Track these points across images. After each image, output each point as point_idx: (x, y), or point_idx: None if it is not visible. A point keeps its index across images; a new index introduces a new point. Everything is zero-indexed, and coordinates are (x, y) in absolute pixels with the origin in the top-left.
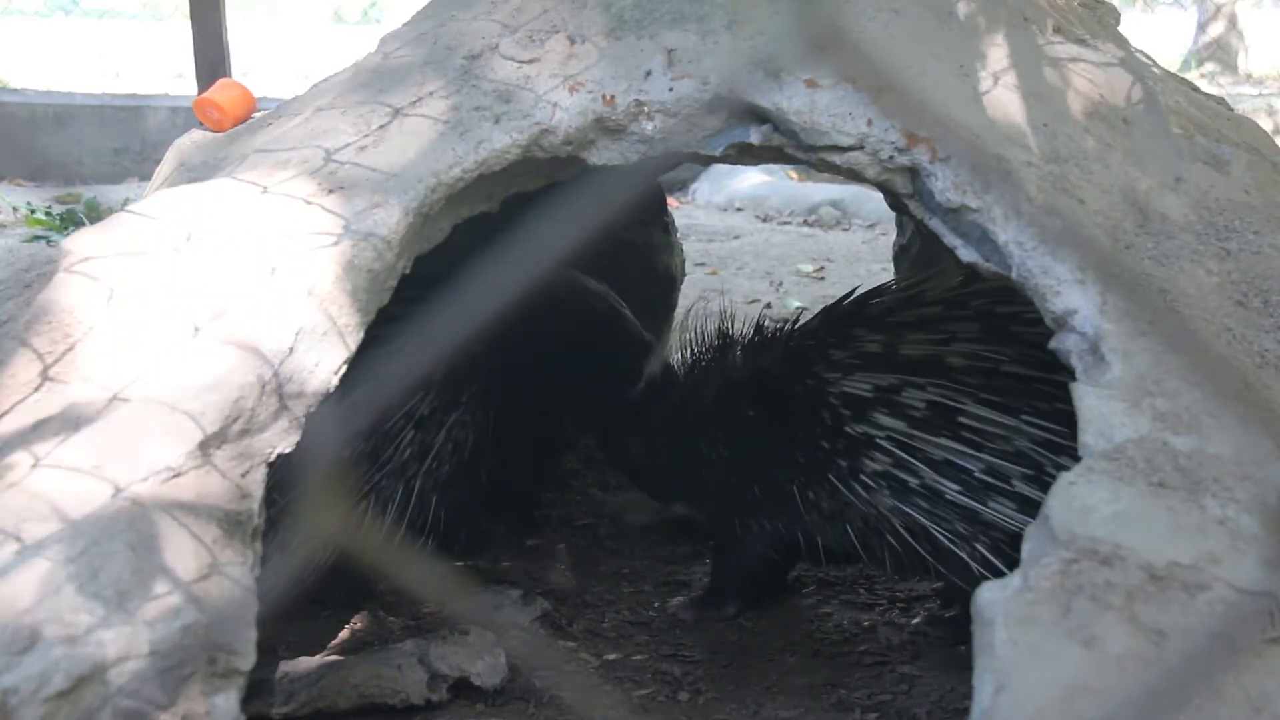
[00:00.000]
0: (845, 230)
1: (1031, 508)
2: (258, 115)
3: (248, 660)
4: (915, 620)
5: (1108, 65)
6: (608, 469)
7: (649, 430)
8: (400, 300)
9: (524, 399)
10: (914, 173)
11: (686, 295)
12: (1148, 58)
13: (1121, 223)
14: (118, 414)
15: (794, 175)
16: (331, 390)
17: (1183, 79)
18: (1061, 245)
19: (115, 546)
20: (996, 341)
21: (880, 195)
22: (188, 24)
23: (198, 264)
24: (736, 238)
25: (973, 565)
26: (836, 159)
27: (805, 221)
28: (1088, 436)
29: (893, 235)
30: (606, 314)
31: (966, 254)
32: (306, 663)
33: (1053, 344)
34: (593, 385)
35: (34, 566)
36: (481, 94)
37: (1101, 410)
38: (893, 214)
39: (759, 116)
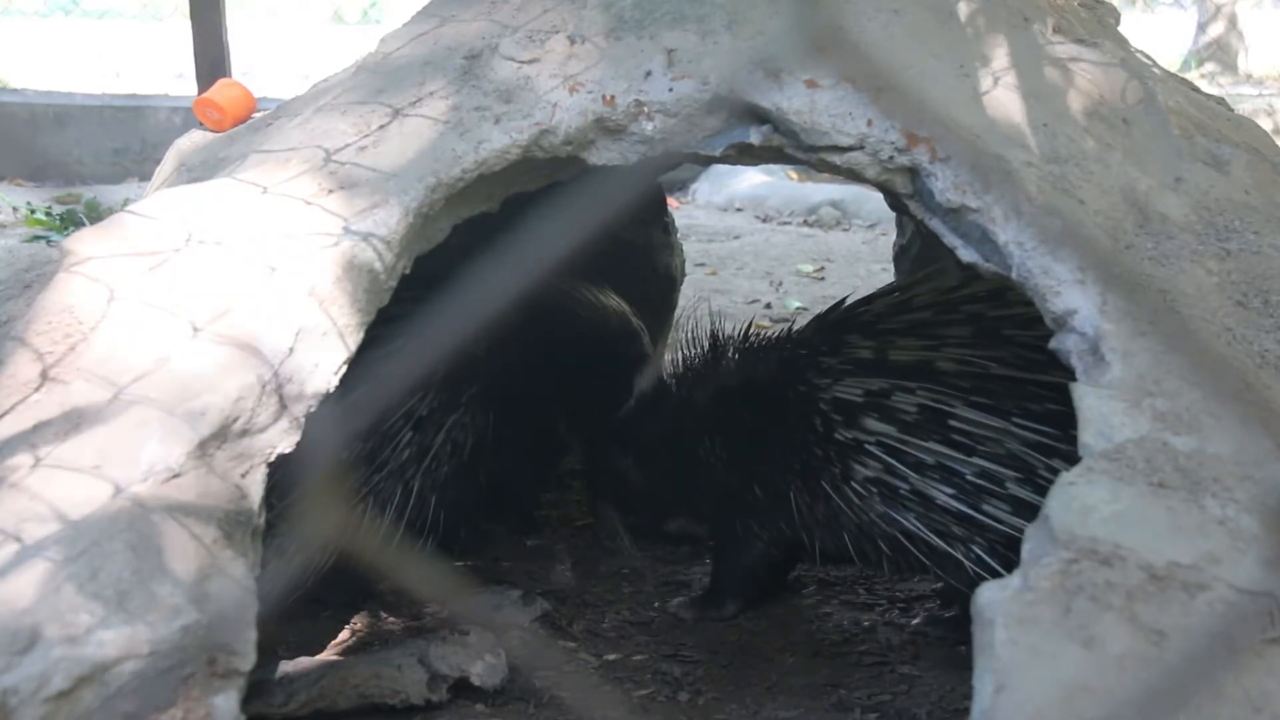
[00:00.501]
0: (845, 230)
1: (1025, 510)
2: (258, 115)
3: (248, 660)
4: (915, 620)
5: (1108, 65)
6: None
7: (645, 441)
8: (400, 300)
9: (524, 401)
10: (914, 173)
11: (686, 295)
12: (1148, 58)
13: (1121, 223)
14: (118, 414)
15: (794, 175)
16: (331, 390)
17: (1183, 79)
18: (1061, 245)
19: (115, 546)
20: (988, 345)
21: (880, 195)
22: (188, 24)
23: (198, 264)
24: (736, 238)
25: (969, 567)
26: (836, 159)
27: (805, 221)
28: (1088, 436)
29: (893, 235)
30: (607, 317)
31: (966, 254)
32: (306, 663)
33: (1053, 344)
34: (592, 389)
35: (34, 566)
36: (481, 94)
37: (1101, 410)
38: (893, 214)
39: (759, 117)
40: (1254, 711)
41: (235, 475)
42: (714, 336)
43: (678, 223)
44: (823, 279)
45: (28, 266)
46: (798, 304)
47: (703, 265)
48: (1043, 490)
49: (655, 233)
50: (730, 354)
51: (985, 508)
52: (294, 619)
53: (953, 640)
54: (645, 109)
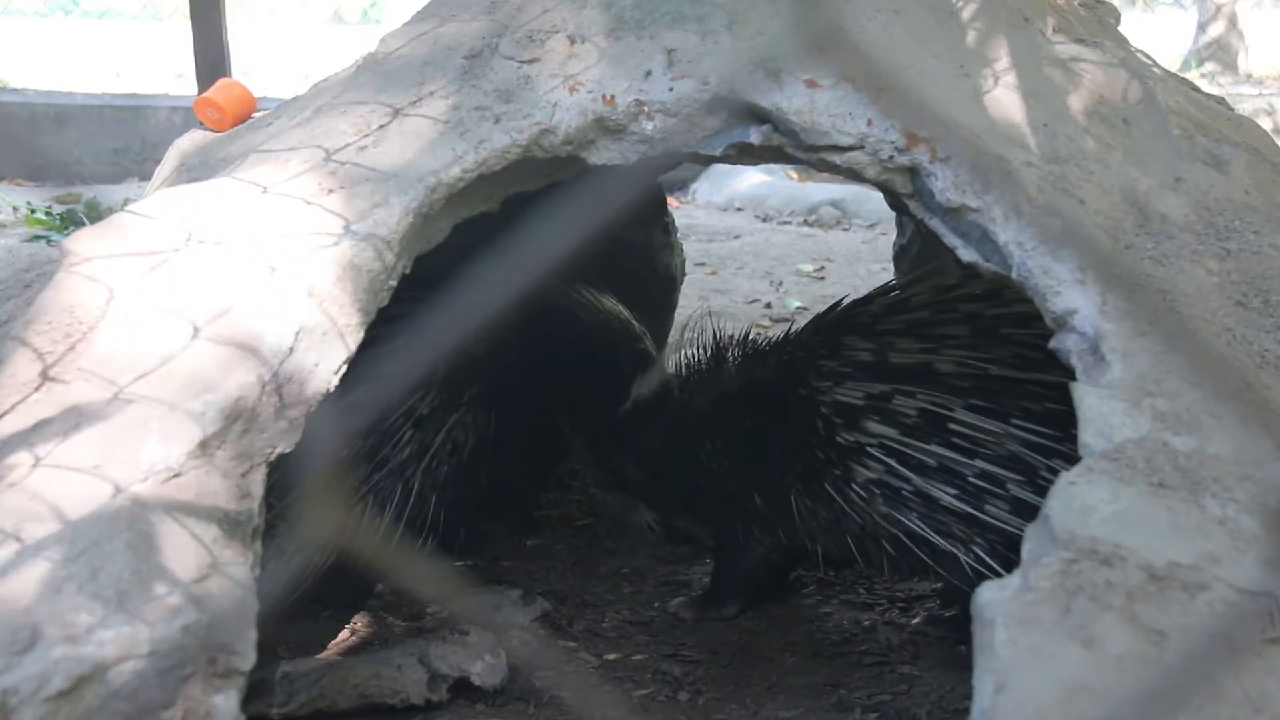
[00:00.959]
0: (845, 230)
1: (1026, 510)
2: (258, 115)
3: (248, 660)
4: (915, 620)
5: (1108, 65)
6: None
7: (645, 443)
8: (400, 300)
9: (525, 401)
10: (914, 173)
11: (686, 295)
12: (1148, 58)
13: (1121, 223)
14: (118, 414)
15: (794, 175)
16: (331, 390)
17: (1183, 79)
18: (1061, 245)
19: (115, 546)
20: (986, 344)
21: (880, 195)
22: (188, 24)
23: (198, 264)
24: (736, 238)
25: (969, 567)
26: (836, 159)
27: (805, 221)
28: (1088, 436)
29: (893, 235)
30: (607, 318)
31: (966, 254)
32: (306, 663)
33: (1053, 344)
34: (593, 390)
35: (34, 566)
36: (481, 94)
37: (1101, 410)
38: (893, 214)
39: (759, 116)
40: (1254, 711)
41: (235, 475)
42: (714, 340)
43: (678, 223)
44: (823, 279)
45: (28, 266)
46: (798, 304)
47: (703, 265)
48: (1043, 491)
49: (655, 233)
50: (731, 357)
51: (987, 508)
52: (294, 619)
53: (953, 640)
54: (645, 109)
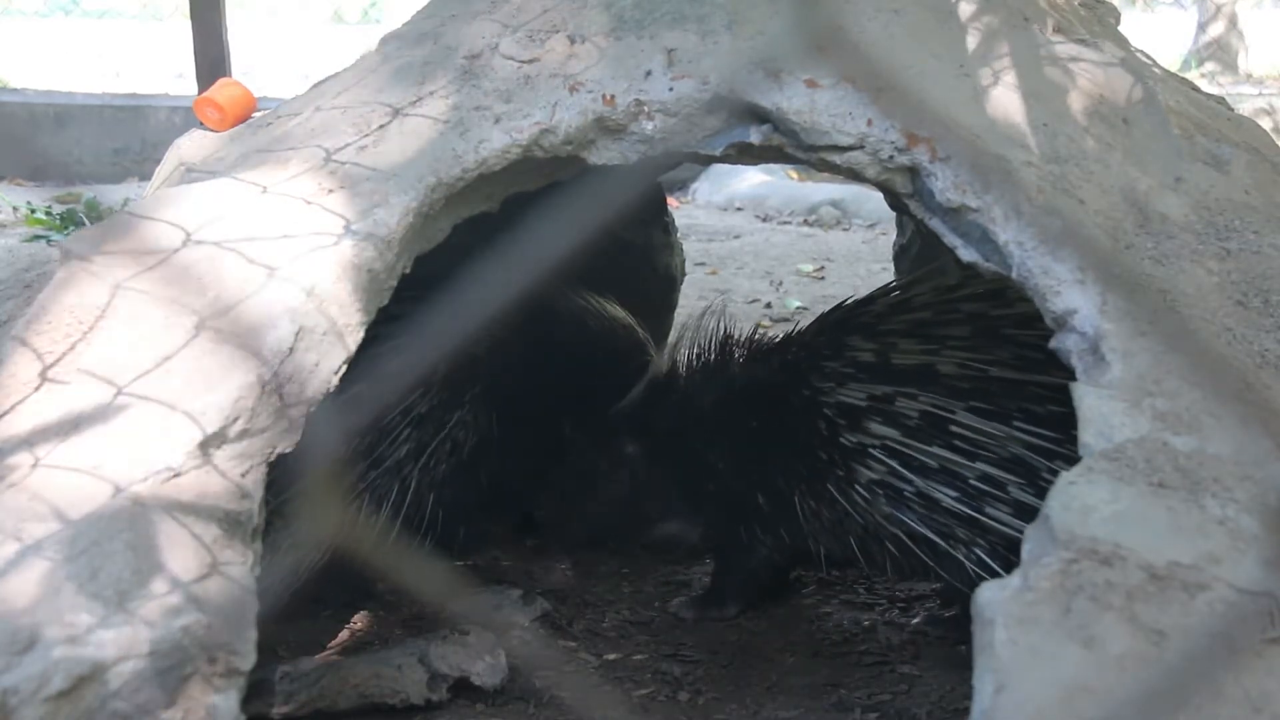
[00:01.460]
0: (845, 230)
1: (1028, 513)
2: (258, 115)
3: (248, 660)
4: (915, 620)
5: (1108, 65)
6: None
7: (645, 442)
8: (400, 300)
9: (526, 402)
10: (914, 172)
11: (686, 295)
12: (1148, 58)
13: (1121, 223)
14: (118, 414)
15: (794, 175)
16: (331, 390)
17: (1183, 79)
18: (1061, 245)
19: (115, 546)
20: (988, 345)
21: (880, 195)
22: (188, 24)
23: (198, 264)
24: (736, 238)
25: (971, 569)
26: (836, 159)
27: (805, 221)
28: (1088, 436)
29: (893, 235)
30: (609, 320)
31: (966, 254)
32: (306, 663)
33: (1053, 344)
34: (593, 392)
35: (34, 566)
36: (482, 94)
37: (1101, 410)
38: (893, 214)
39: (759, 116)
40: (1254, 711)
41: (235, 475)
42: (717, 339)
43: (678, 223)
44: (823, 279)
45: (28, 266)
46: (798, 304)
47: (703, 265)
48: (1045, 493)
49: (655, 233)
50: (735, 358)
51: (988, 510)
52: (294, 619)
53: (953, 640)
54: (645, 108)
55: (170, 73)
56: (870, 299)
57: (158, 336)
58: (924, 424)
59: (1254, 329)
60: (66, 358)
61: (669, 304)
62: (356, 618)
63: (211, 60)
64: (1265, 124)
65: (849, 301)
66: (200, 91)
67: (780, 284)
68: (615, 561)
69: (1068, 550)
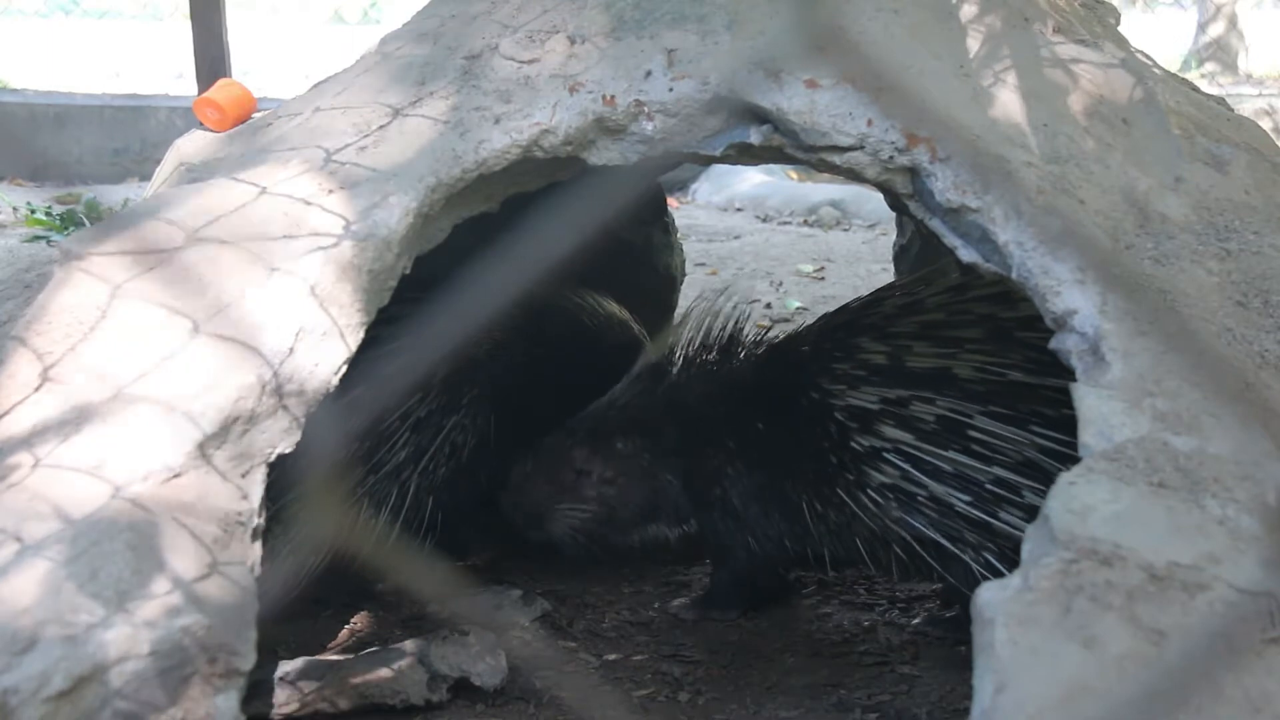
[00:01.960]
0: (845, 230)
1: None
2: (258, 115)
3: (248, 660)
4: (915, 620)
5: (1108, 65)
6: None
7: (635, 439)
8: (400, 300)
9: (525, 404)
10: (914, 173)
11: (686, 295)
12: (1148, 58)
13: (1121, 223)
14: (118, 414)
15: (794, 175)
16: (331, 390)
17: (1183, 79)
18: (1061, 245)
19: (115, 546)
20: (1002, 348)
21: (880, 195)
22: (188, 24)
23: (197, 264)
24: (736, 238)
25: (979, 571)
26: (836, 159)
27: (805, 221)
28: (1088, 436)
29: (893, 235)
30: (609, 321)
31: (966, 254)
32: (306, 663)
33: (1053, 344)
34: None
35: (34, 566)
36: (482, 94)
37: (1101, 410)
38: (893, 214)
39: (759, 117)
40: (1254, 711)
41: (235, 475)
42: (719, 340)
43: (678, 223)
44: (823, 279)
45: (28, 266)
46: (798, 304)
47: (703, 265)
48: None
49: (655, 233)
50: (736, 356)
51: (1001, 515)
52: (294, 619)
53: (953, 640)
54: (645, 109)
55: (170, 73)
56: (878, 300)
57: (157, 337)
58: (939, 428)
59: (1254, 329)
60: (66, 358)
61: (669, 304)
62: (356, 618)
63: (211, 60)
64: (1265, 124)
65: (856, 303)
66: (200, 91)
67: (780, 284)
68: (615, 561)
69: (1068, 550)
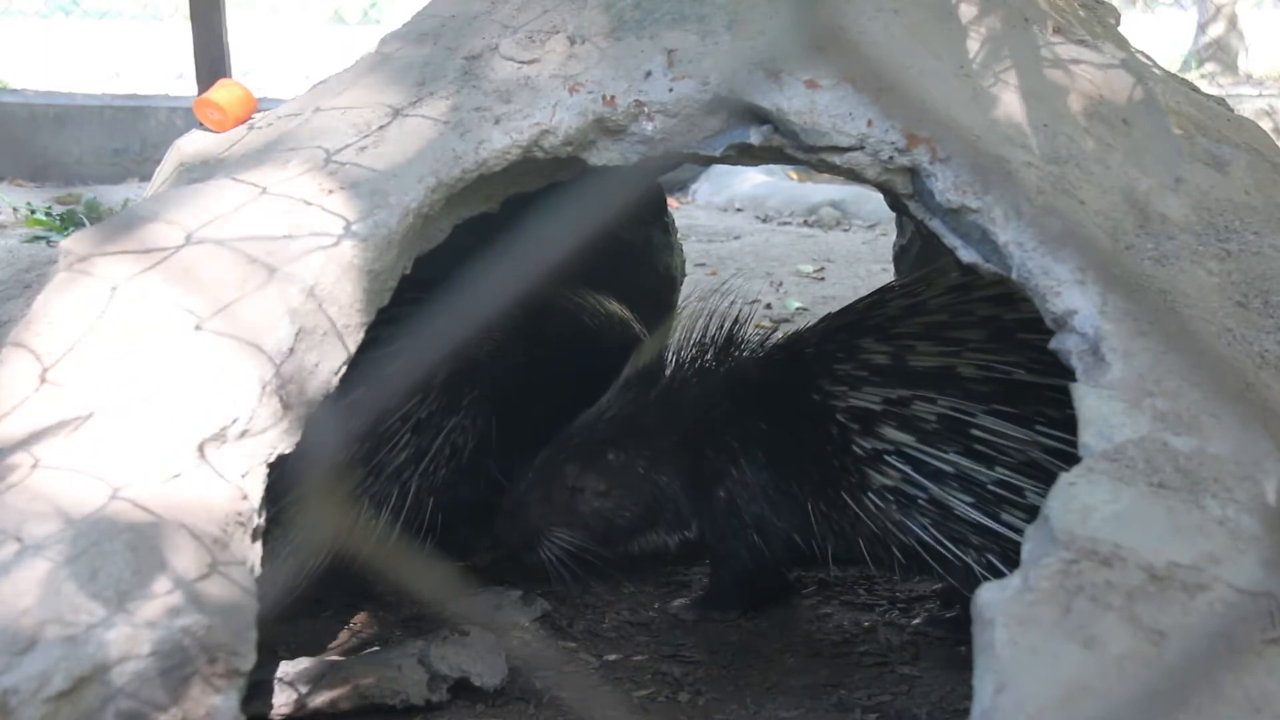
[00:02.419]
0: (845, 230)
1: None
2: (258, 115)
3: (248, 660)
4: (915, 621)
5: (1108, 66)
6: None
7: (629, 449)
8: (400, 301)
9: (526, 405)
10: (914, 173)
11: (687, 295)
12: (1148, 58)
13: (1121, 223)
14: (117, 414)
15: (794, 175)
16: (331, 391)
17: (1183, 79)
18: (1061, 246)
19: (115, 546)
20: (1006, 348)
21: (880, 195)
22: (188, 24)
23: (197, 264)
24: (736, 238)
25: (981, 574)
26: (836, 159)
27: (805, 222)
28: (1088, 437)
29: (893, 235)
30: (610, 322)
31: (966, 254)
32: (306, 663)
33: (1053, 344)
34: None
35: (34, 566)
36: (482, 94)
37: (1101, 410)
38: (893, 214)
39: (759, 117)
40: (1254, 711)
41: (235, 475)
42: (716, 340)
43: (678, 223)
44: (823, 279)
45: (28, 266)
46: (798, 304)
47: (703, 265)
48: None
49: (655, 233)
50: (734, 358)
51: (1004, 517)
52: (294, 619)
53: (953, 640)
54: (645, 109)
55: (170, 73)
56: (880, 301)
57: (157, 337)
58: (941, 428)
59: (1254, 329)
60: (66, 358)
61: (669, 304)
62: (356, 618)
63: (211, 60)
64: (1265, 124)
65: (858, 303)
66: (200, 92)
67: (780, 285)
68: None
69: (1068, 550)
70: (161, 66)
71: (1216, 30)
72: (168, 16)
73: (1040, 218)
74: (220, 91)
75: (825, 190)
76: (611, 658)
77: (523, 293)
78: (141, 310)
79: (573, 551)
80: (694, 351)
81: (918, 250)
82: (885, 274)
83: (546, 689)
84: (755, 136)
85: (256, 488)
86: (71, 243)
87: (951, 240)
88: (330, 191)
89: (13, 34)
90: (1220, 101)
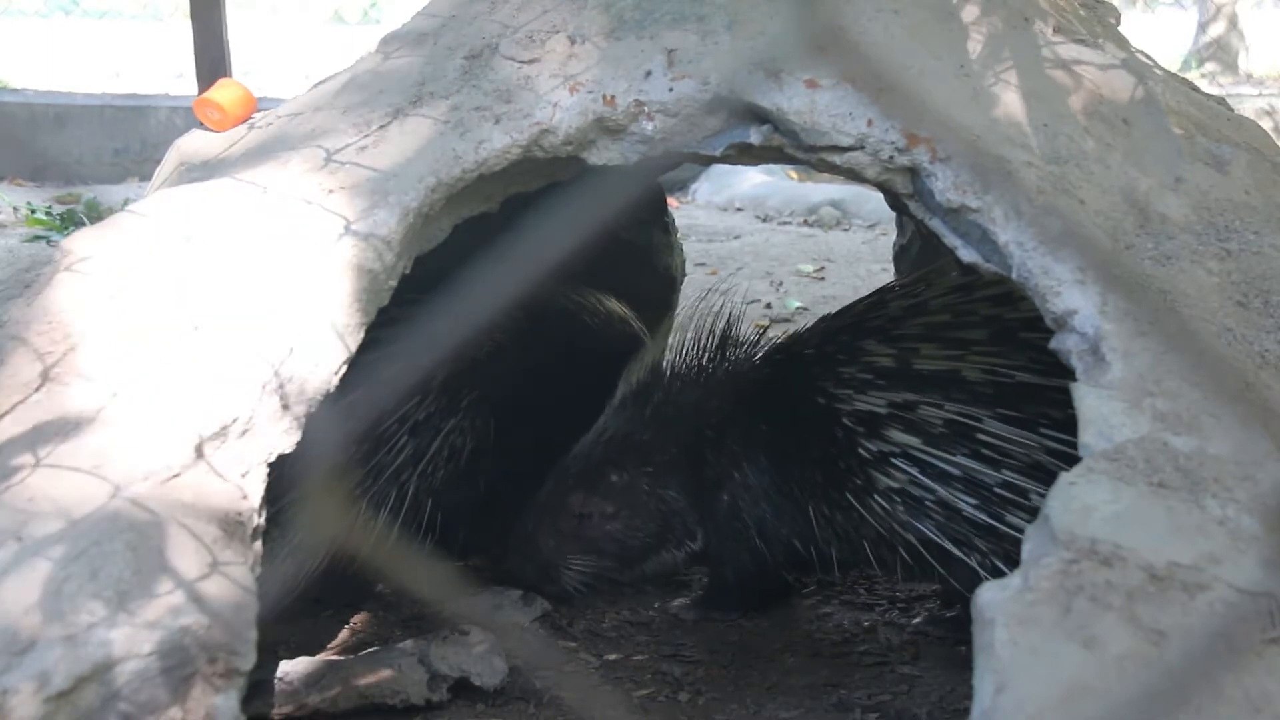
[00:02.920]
0: (845, 230)
1: None
2: (258, 115)
3: (248, 660)
4: (915, 620)
5: (1108, 65)
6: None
7: (645, 456)
8: (400, 301)
9: (525, 406)
10: (914, 173)
11: (686, 295)
12: (1148, 58)
13: (1122, 223)
14: (118, 414)
15: (794, 175)
16: (331, 391)
17: (1183, 79)
18: (1062, 245)
19: (115, 546)
20: (1009, 349)
21: (880, 195)
22: (188, 24)
23: (197, 264)
24: (736, 238)
25: (985, 576)
26: (836, 159)
27: (805, 221)
28: (1088, 436)
29: (893, 235)
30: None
31: (966, 254)
32: (306, 663)
33: (1053, 344)
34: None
35: (34, 566)
36: (482, 94)
37: (1102, 410)
38: (893, 214)
39: (759, 117)
40: (1254, 711)
41: (235, 475)
42: (712, 343)
43: (678, 223)
44: (823, 279)
45: (28, 266)
46: (798, 304)
47: (703, 265)
48: None
49: (655, 233)
50: (735, 361)
51: (1009, 519)
52: (294, 619)
53: (953, 640)
54: (645, 109)
55: (170, 73)
56: (881, 302)
57: (157, 336)
58: (948, 431)
59: (1254, 329)
60: (66, 358)
61: (669, 304)
62: (356, 618)
63: (211, 60)
64: (1265, 124)
65: (858, 304)
66: (200, 91)
67: (780, 284)
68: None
69: (1068, 550)
70: (161, 66)
71: (1217, 30)
72: (168, 16)
73: (1040, 217)
74: (220, 91)
75: (825, 190)
76: (611, 657)
77: (523, 293)
78: (141, 310)
79: (592, 577)
80: (690, 358)
81: (918, 250)
82: (885, 274)
83: (546, 689)
84: (755, 136)
85: (256, 487)
86: (71, 242)
87: (951, 240)
88: (330, 191)
89: (13, 34)
90: (1220, 101)
